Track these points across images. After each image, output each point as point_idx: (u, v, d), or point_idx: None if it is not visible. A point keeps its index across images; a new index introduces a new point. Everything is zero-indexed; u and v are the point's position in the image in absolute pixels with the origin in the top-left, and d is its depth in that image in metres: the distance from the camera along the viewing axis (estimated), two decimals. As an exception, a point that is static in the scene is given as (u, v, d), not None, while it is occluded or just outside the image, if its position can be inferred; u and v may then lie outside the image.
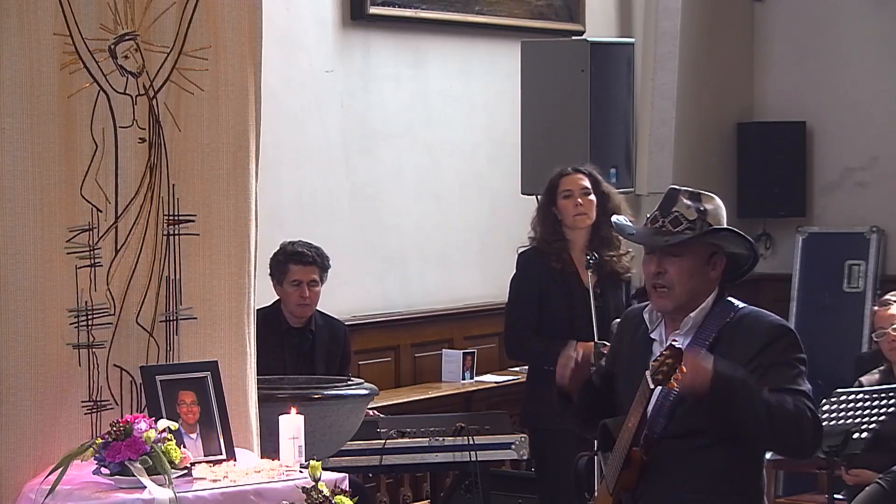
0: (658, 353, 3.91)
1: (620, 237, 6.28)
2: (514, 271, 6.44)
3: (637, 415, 3.93)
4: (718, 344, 3.98)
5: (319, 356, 6.46)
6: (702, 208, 4.06)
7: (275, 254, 6.40)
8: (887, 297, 6.56)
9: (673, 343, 3.87)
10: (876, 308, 6.57)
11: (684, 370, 3.80)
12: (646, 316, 4.15)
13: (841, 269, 9.42)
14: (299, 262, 6.39)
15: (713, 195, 4.16)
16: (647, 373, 3.86)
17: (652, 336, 4.13)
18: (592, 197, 6.27)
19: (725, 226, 4.09)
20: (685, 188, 4.14)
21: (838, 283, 9.40)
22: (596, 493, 4.28)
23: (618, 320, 5.93)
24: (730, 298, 4.12)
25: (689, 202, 4.07)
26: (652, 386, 3.85)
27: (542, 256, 6.31)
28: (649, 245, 4.09)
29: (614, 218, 4.35)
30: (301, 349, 6.44)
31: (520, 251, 6.45)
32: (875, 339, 6.49)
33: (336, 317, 6.71)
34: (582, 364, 4.21)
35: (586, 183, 6.28)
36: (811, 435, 3.95)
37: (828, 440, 5.60)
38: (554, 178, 6.33)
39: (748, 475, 4.07)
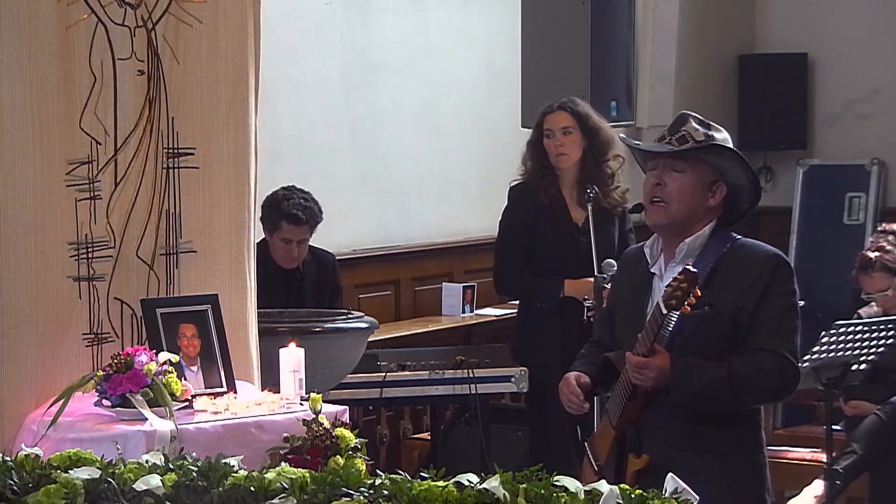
0: (669, 280, 3.91)
1: (613, 169, 6.27)
2: (505, 205, 6.44)
3: (647, 344, 3.94)
4: (715, 274, 3.99)
5: (309, 294, 6.46)
6: (710, 133, 4.07)
7: (269, 202, 6.31)
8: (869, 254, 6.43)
9: (688, 267, 3.87)
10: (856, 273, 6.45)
11: (699, 293, 3.81)
12: (646, 251, 4.15)
13: (841, 201, 9.42)
14: (292, 223, 6.35)
15: (723, 128, 4.16)
16: (660, 299, 3.87)
17: (652, 270, 4.13)
18: (575, 134, 6.22)
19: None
20: (695, 114, 4.13)
21: (838, 216, 9.40)
22: (596, 429, 4.28)
23: (609, 260, 5.97)
24: (725, 231, 4.12)
25: (698, 126, 4.08)
26: (665, 311, 3.85)
27: (531, 191, 6.30)
28: (652, 149, 4.09)
29: (621, 134, 4.37)
30: (289, 289, 6.43)
31: (511, 185, 6.44)
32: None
33: (334, 252, 6.70)
34: (581, 386, 4.19)
35: (567, 122, 6.22)
36: (776, 392, 4.09)
37: (826, 372, 5.62)
38: (540, 114, 6.31)
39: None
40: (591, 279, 5.91)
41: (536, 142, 6.31)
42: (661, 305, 3.86)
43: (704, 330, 3.97)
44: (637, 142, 4.29)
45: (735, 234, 4.13)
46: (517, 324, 6.61)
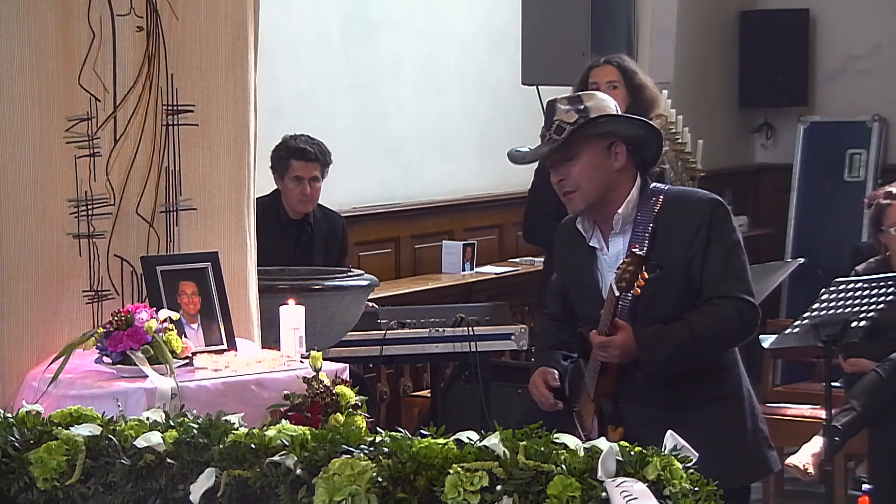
0: (614, 251, 3.97)
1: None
2: None
3: (607, 322, 3.96)
4: (657, 235, 3.99)
5: (318, 249, 6.49)
6: (581, 107, 4.01)
7: (277, 147, 6.39)
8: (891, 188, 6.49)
9: (633, 250, 3.87)
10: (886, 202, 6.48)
11: (646, 275, 3.82)
12: (579, 227, 4.14)
13: (842, 158, 9.41)
14: (301, 159, 6.38)
15: (595, 93, 4.14)
16: (612, 282, 3.89)
17: (591, 244, 4.13)
18: (620, 90, 6.19)
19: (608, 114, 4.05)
20: (561, 96, 4.09)
21: (839, 173, 9.39)
22: (579, 400, 4.30)
23: None
24: (652, 185, 4.10)
25: (567, 107, 4.02)
26: (617, 293, 3.88)
27: None
28: (538, 156, 4.09)
29: (510, 150, 4.28)
30: (299, 241, 6.47)
31: None
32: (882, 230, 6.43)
33: (335, 209, 6.71)
34: (551, 389, 4.23)
35: (614, 76, 6.20)
36: (739, 335, 4.07)
37: (826, 329, 5.62)
38: (586, 68, 6.28)
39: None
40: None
41: None
42: (614, 288, 3.88)
43: (662, 292, 3.97)
44: (524, 150, 4.21)
45: (660, 186, 4.12)
46: (543, 274, 6.60)
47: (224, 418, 3.47)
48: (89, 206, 4.54)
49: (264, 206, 5.84)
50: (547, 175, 6.30)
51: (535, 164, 6.42)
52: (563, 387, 4.25)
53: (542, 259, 6.73)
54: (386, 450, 3.16)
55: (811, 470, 6.02)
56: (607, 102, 4.08)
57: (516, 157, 4.24)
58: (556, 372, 4.25)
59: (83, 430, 3.48)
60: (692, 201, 4.07)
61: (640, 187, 4.06)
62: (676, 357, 3.98)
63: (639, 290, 3.85)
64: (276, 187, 6.46)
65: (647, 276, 3.83)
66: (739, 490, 4.13)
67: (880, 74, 9.53)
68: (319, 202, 6.52)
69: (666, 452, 3.06)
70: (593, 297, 4.09)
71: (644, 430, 3.76)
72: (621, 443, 3.10)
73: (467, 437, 3.14)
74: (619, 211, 4.04)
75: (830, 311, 5.62)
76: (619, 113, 4.10)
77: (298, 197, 6.39)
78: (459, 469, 3.04)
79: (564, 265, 4.30)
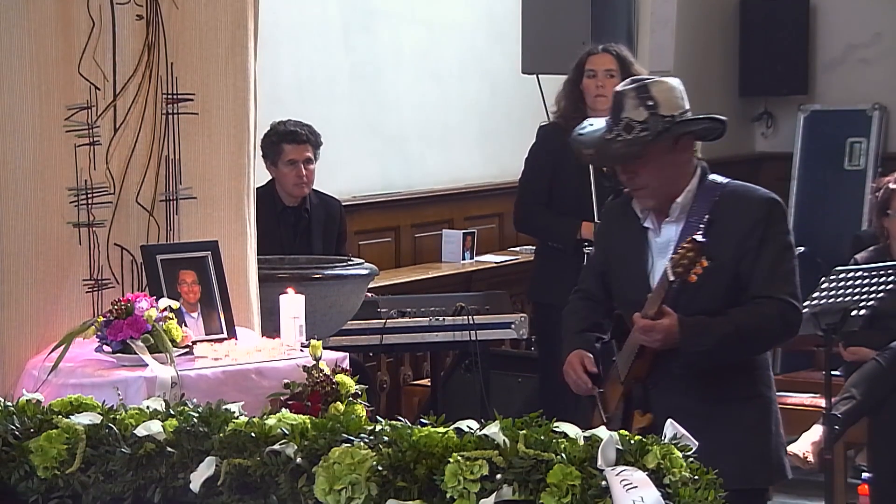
0: (677, 247, 3.90)
1: None
2: (532, 143, 6.43)
3: (655, 306, 3.94)
4: (712, 225, 3.98)
5: (316, 234, 6.47)
6: (650, 102, 3.97)
7: (266, 134, 6.36)
8: None
9: (695, 237, 3.85)
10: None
11: (705, 264, 3.81)
12: (635, 207, 4.13)
13: (842, 146, 9.39)
14: (293, 142, 6.36)
15: (662, 79, 4.06)
16: (667, 266, 3.86)
17: (645, 225, 4.12)
18: (617, 79, 6.20)
19: (679, 109, 4.01)
20: (629, 86, 4.01)
21: (839, 161, 9.38)
22: (606, 381, 4.28)
23: None
24: (712, 176, 4.11)
25: (635, 101, 3.98)
26: (672, 279, 3.85)
27: (560, 132, 6.29)
28: (609, 162, 4.08)
29: (573, 135, 4.20)
30: (297, 228, 6.45)
31: (541, 125, 6.44)
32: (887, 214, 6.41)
33: (332, 195, 6.70)
34: (589, 374, 4.21)
35: (612, 65, 6.21)
36: (780, 336, 4.12)
37: (826, 318, 5.62)
38: (583, 54, 6.29)
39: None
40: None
41: (574, 81, 6.29)
42: (669, 272, 3.85)
43: (710, 284, 3.95)
44: (586, 137, 4.12)
45: (722, 179, 4.12)
46: (534, 264, 6.61)
47: (224, 407, 3.47)
48: (89, 195, 4.53)
49: (260, 197, 5.81)
50: (540, 164, 6.34)
51: (527, 152, 6.43)
52: (599, 371, 4.22)
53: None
54: (386, 439, 3.16)
55: (811, 458, 6.02)
56: (674, 91, 4.04)
57: (579, 144, 4.17)
58: (592, 356, 4.22)
59: (83, 419, 3.48)
60: (751, 198, 4.07)
61: (699, 177, 4.07)
62: (717, 350, 3.97)
63: (694, 278, 3.83)
64: (269, 178, 6.43)
65: (706, 264, 3.81)
66: (757, 491, 4.13)
67: (881, 63, 9.51)
68: (315, 187, 6.51)
69: (666, 441, 3.06)
70: (637, 278, 4.08)
71: (672, 419, 3.76)
72: (621, 431, 3.10)
73: (467, 426, 3.14)
74: (679, 200, 4.05)
75: (830, 300, 5.62)
76: (685, 100, 4.05)
77: (294, 180, 6.37)
78: (459, 458, 3.04)
79: (612, 242, 4.27)
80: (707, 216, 4.01)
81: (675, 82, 4.07)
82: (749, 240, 3.99)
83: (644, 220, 4.12)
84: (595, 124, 4.15)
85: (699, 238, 3.85)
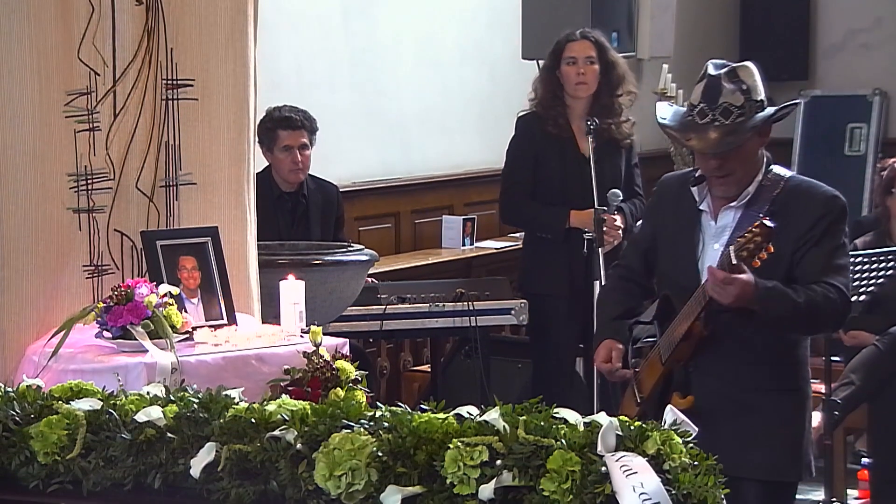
0: (744, 230, 3.84)
1: (624, 104, 6.25)
2: (512, 135, 6.43)
3: (718, 276, 3.87)
4: (773, 217, 3.91)
5: (314, 220, 6.47)
6: (744, 87, 3.98)
7: (262, 120, 6.34)
8: None
9: (765, 222, 3.80)
10: None
11: (771, 249, 3.78)
12: (694, 189, 4.11)
13: (843, 132, 9.39)
14: (288, 127, 6.35)
15: (745, 64, 4.06)
16: (732, 249, 3.82)
17: (701, 207, 4.09)
18: (596, 66, 6.21)
19: (763, 94, 4.01)
20: (720, 71, 4.01)
21: (840, 147, 9.38)
22: (643, 362, 4.26)
23: (615, 190, 5.96)
24: (774, 167, 4.10)
25: (731, 86, 3.97)
26: (735, 262, 3.80)
27: (540, 121, 6.29)
28: (713, 151, 3.96)
29: (659, 112, 4.14)
30: (295, 214, 6.45)
31: (519, 115, 6.43)
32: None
33: (330, 180, 6.70)
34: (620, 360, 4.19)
35: (591, 51, 6.21)
36: (836, 320, 4.09)
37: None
38: (560, 41, 6.26)
39: (795, 344, 4.12)
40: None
41: (551, 69, 6.27)
42: (732, 255, 3.80)
43: (764, 274, 3.89)
44: (686, 134, 4.04)
45: (784, 172, 4.10)
46: (523, 254, 6.62)
47: (224, 393, 3.47)
48: (89, 181, 4.53)
49: (257, 183, 5.82)
50: (522, 154, 6.33)
51: (514, 144, 6.41)
52: (626, 361, 4.20)
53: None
54: (386, 424, 3.16)
55: (811, 444, 6.03)
56: (757, 76, 4.04)
57: (675, 131, 4.10)
58: (621, 346, 4.19)
59: (84, 405, 3.48)
60: (816, 193, 4.06)
61: (765, 167, 4.07)
62: (787, 318, 3.92)
63: (758, 263, 3.79)
64: (265, 164, 6.42)
65: (772, 250, 3.77)
66: (788, 484, 4.11)
67: (881, 48, 9.50)
68: (312, 173, 6.50)
69: (665, 427, 3.06)
70: (685, 260, 4.05)
71: (710, 404, 3.74)
72: (621, 417, 3.10)
73: (467, 412, 3.15)
74: (750, 188, 4.03)
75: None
76: (782, 110, 4.05)
77: (290, 166, 6.36)
78: (459, 444, 3.05)
79: (663, 220, 4.22)
80: (768, 206, 3.99)
81: (754, 67, 4.07)
82: (811, 233, 3.97)
83: (700, 203, 4.09)
84: (673, 108, 4.15)
85: (769, 223, 3.79)
